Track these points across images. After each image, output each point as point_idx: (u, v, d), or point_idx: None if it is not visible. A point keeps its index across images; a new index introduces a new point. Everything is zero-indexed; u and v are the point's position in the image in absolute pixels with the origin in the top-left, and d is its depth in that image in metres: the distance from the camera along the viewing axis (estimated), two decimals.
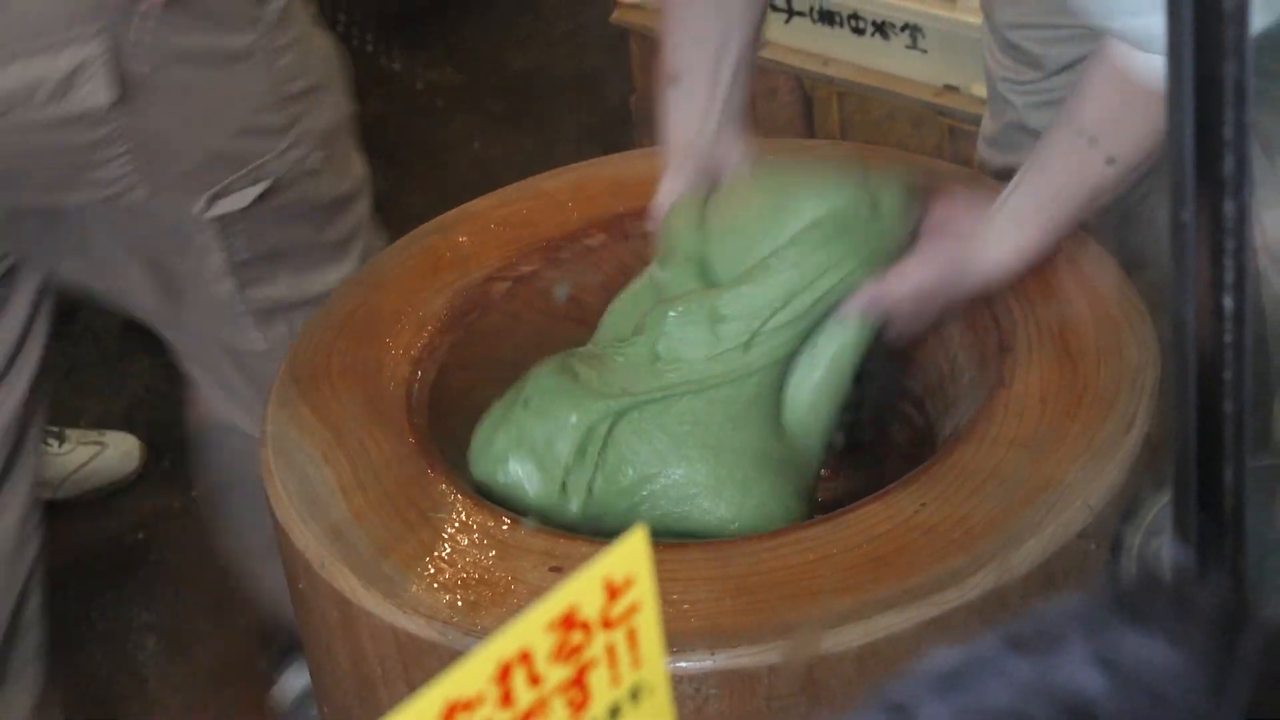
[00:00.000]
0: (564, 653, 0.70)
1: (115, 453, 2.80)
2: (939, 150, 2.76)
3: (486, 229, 1.92)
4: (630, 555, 0.71)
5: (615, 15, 3.20)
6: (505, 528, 1.56)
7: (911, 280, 1.69)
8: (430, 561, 1.53)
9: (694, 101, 1.80)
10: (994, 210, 1.71)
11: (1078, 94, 1.66)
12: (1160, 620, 0.71)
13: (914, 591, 1.46)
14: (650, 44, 3.13)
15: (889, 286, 1.68)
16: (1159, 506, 1.51)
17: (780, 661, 1.43)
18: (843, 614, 1.44)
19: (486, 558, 1.53)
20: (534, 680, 0.69)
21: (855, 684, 1.45)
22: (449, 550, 1.54)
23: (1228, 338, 0.88)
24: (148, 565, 2.79)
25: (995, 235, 1.70)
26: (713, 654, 1.43)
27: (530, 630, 0.68)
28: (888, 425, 1.83)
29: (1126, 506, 1.53)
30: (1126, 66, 1.58)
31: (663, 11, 1.84)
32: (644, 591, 0.72)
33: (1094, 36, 1.85)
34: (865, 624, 1.44)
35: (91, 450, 2.82)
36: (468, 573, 1.52)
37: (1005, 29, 2.06)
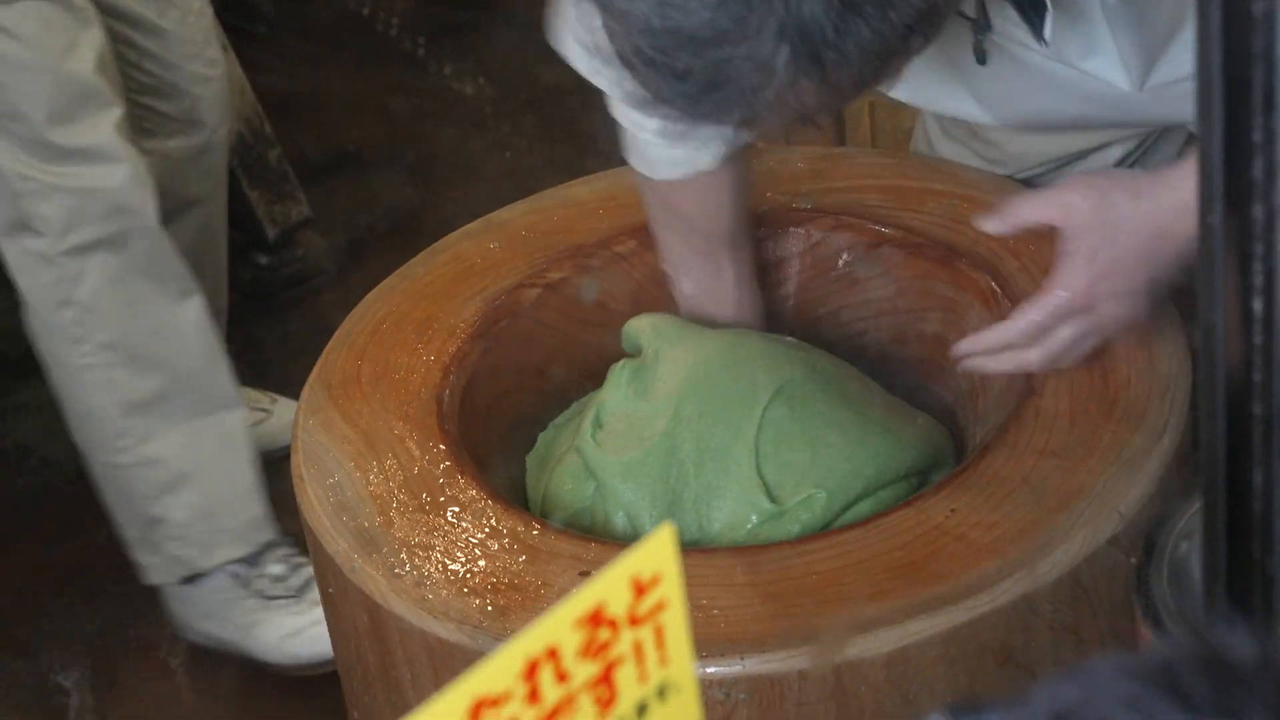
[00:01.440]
0: (591, 650, 0.70)
1: (278, 423, 2.79)
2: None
3: (517, 236, 1.93)
4: (657, 553, 0.71)
5: None
6: (535, 533, 1.57)
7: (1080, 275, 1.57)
8: (460, 566, 1.54)
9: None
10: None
11: None
12: (1212, 707, 0.70)
13: (944, 598, 1.46)
14: None
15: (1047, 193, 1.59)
16: (1190, 512, 1.51)
17: (807, 666, 1.43)
18: (872, 620, 1.44)
19: (516, 562, 1.54)
20: (561, 677, 0.69)
21: (884, 690, 1.45)
22: (479, 555, 1.55)
23: (1257, 340, 0.88)
24: None
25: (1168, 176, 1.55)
26: (742, 659, 1.43)
27: (557, 627, 0.69)
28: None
29: (1159, 512, 1.53)
30: None
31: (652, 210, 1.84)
32: (671, 589, 0.72)
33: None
34: (895, 630, 1.44)
35: (257, 416, 2.82)
36: (497, 577, 1.52)
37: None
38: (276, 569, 2.54)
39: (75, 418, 2.48)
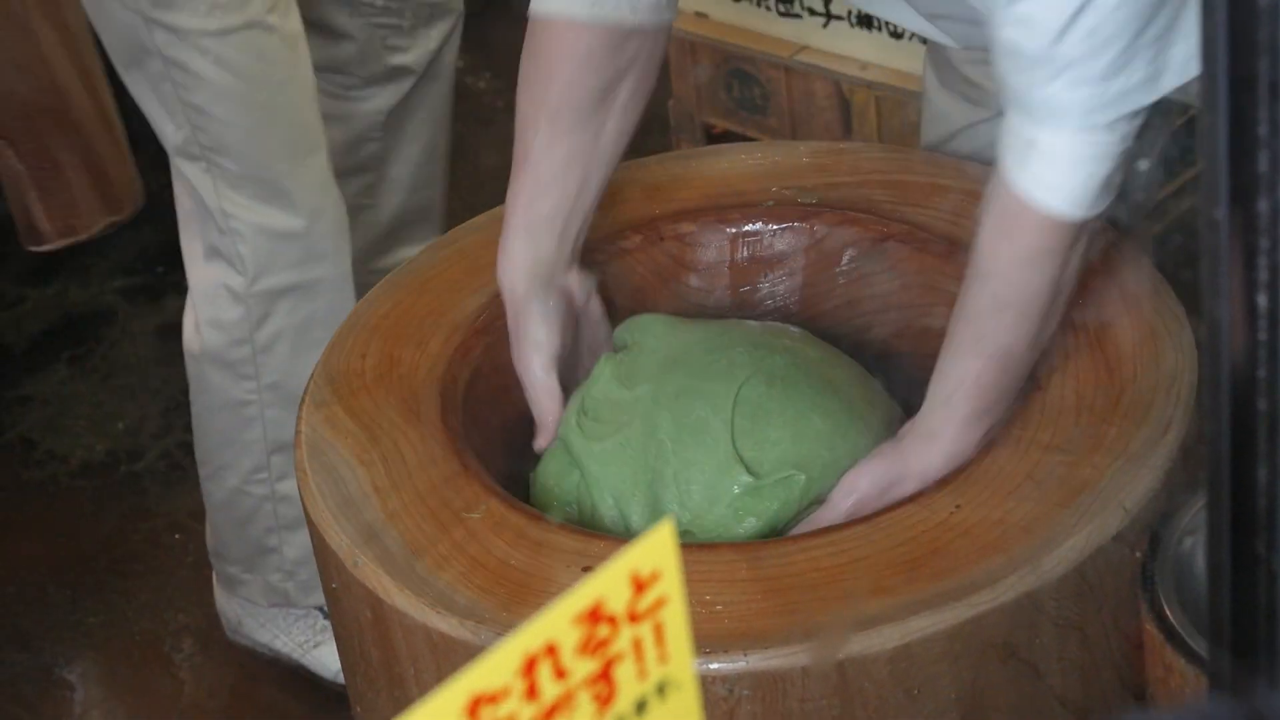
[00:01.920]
0: (590, 646, 0.70)
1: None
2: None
3: None
4: (657, 549, 0.70)
5: None
6: (538, 527, 1.56)
7: (858, 489, 1.62)
8: (463, 561, 1.53)
9: (545, 246, 1.78)
10: (926, 404, 1.65)
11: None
12: None
13: (948, 593, 1.45)
14: (686, 46, 3.13)
15: (836, 498, 1.64)
16: (1195, 508, 1.51)
17: (809, 663, 1.42)
18: (876, 616, 1.44)
19: (519, 557, 1.53)
20: (560, 674, 0.69)
21: (888, 686, 1.44)
22: (482, 550, 1.54)
23: (1262, 336, 0.87)
24: (185, 567, 2.80)
25: (924, 431, 1.64)
26: (745, 655, 1.42)
27: (556, 624, 0.68)
28: None
29: (1163, 508, 1.53)
30: (1010, 179, 1.54)
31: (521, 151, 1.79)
32: (671, 586, 0.72)
33: None
34: (899, 626, 1.43)
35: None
36: (500, 572, 1.52)
37: (962, 64, 2.01)
38: None
39: (213, 441, 2.44)
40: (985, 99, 1.97)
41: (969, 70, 2.00)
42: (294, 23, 2.25)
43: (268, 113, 2.23)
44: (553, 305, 1.77)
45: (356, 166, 2.66)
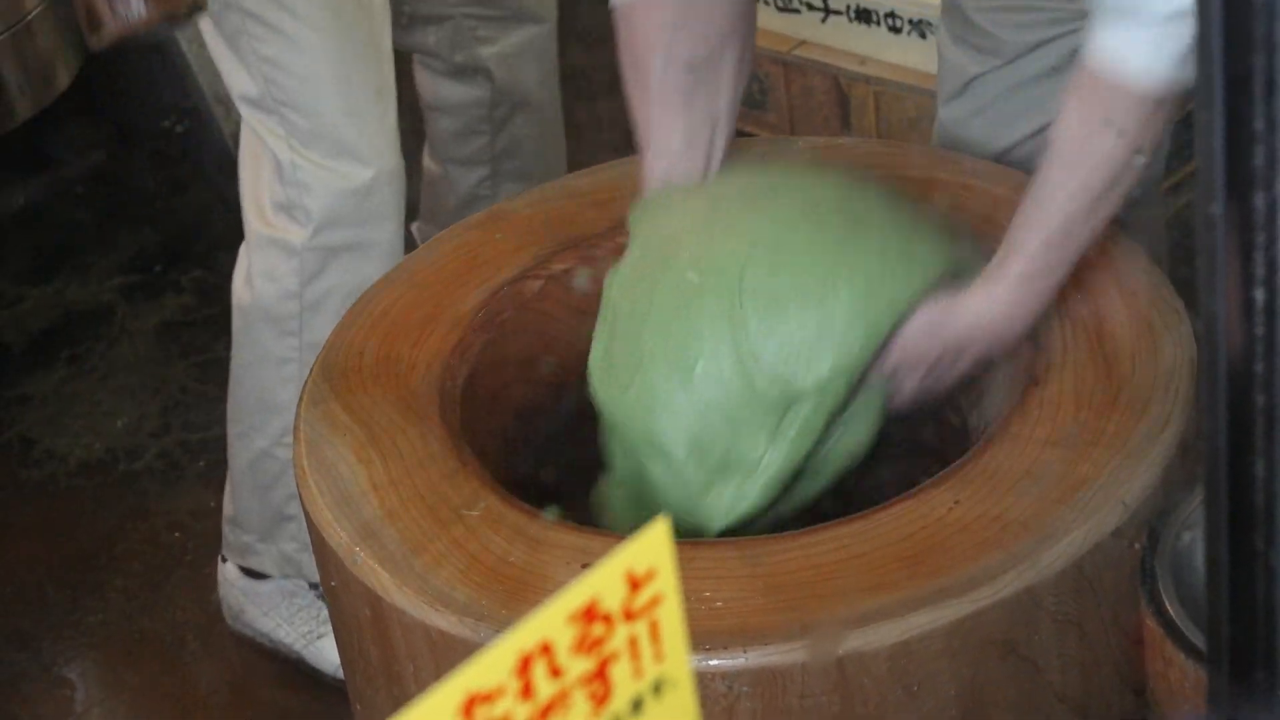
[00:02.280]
0: (585, 645, 0.70)
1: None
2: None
3: (520, 228, 1.92)
4: (652, 547, 0.70)
5: None
6: (536, 524, 1.56)
7: (903, 337, 1.67)
8: (462, 558, 1.53)
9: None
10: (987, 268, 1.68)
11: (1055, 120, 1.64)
12: None
13: (947, 590, 1.45)
14: None
15: (889, 355, 1.68)
16: (1194, 503, 1.51)
17: (807, 659, 1.42)
18: (875, 612, 1.44)
19: (518, 554, 1.53)
20: (555, 672, 0.69)
21: (887, 682, 1.44)
22: (480, 547, 1.54)
23: (1258, 331, 0.87)
24: (184, 565, 2.80)
25: (977, 285, 1.67)
26: (745, 652, 1.42)
27: (551, 622, 0.68)
28: (918, 423, 1.82)
29: (1162, 504, 1.52)
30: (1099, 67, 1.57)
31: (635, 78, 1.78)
32: (666, 584, 0.72)
33: (1061, 22, 1.85)
34: (898, 622, 1.43)
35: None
36: (499, 569, 1.52)
37: (971, 12, 2.04)
38: None
39: (247, 398, 2.46)
40: (997, 47, 2.01)
41: (979, 18, 2.02)
42: None
43: (343, 69, 2.25)
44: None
45: (470, 158, 2.69)
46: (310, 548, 2.41)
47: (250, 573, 2.58)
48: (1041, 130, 1.96)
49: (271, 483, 2.46)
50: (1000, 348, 1.69)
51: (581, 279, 1.87)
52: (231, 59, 2.26)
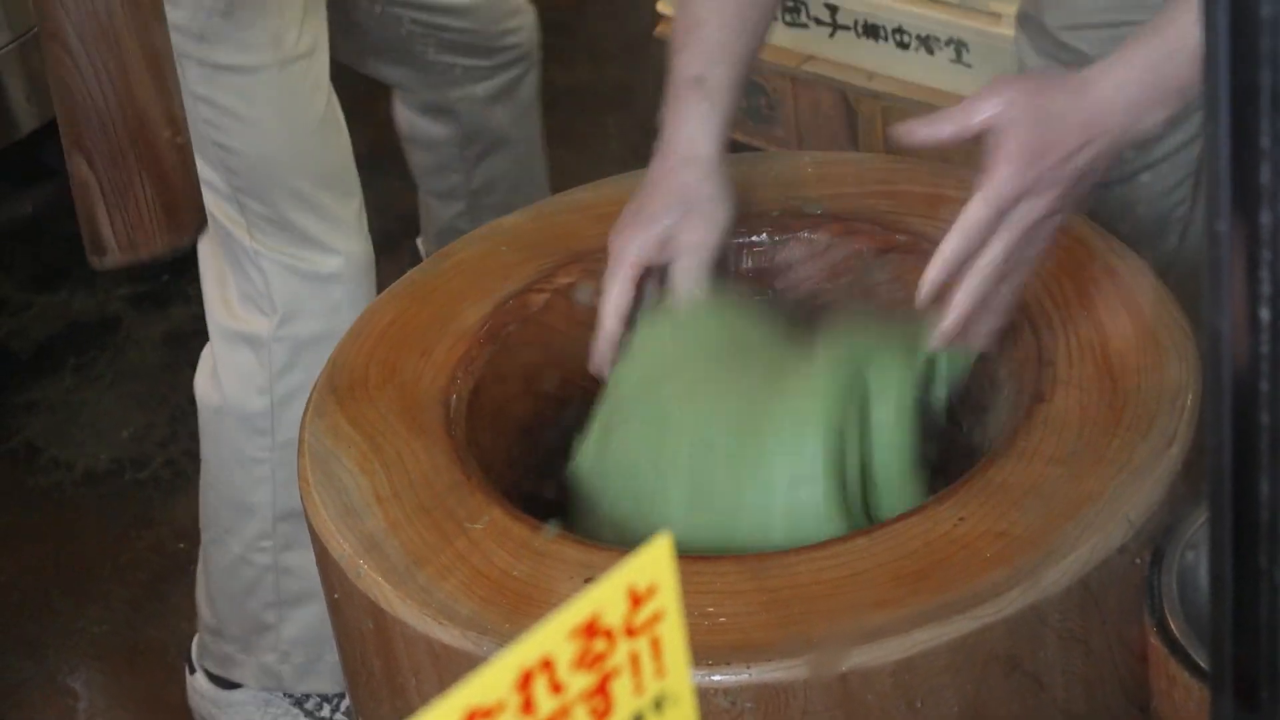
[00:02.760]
0: (586, 660, 0.69)
1: None
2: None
3: (524, 241, 1.92)
4: (654, 563, 0.70)
5: (659, 29, 3.19)
6: (540, 538, 1.56)
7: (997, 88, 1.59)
8: (465, 571, 1.53)
9: (716, 113, 1.77)
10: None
11: None
12: None
13: (951, 606, 1.45)
14: None
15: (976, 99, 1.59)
16: (1199, 520, 1.51)
17: (814, 675, 1.42)
18: (879, 628, 1.43)
19: (521, 568, 1.53)
20: (556, 688, 0.69)
21: (891, 699, 1.44)
22: (484, 560, 1.54)
23: (1264, 349, 0.87)
24: (190, 575, 2.79)
25: (1097, 74, 1.59)
26: (748, 668, 1.42)
27: (552, 637, 0.68)
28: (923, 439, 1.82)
29: (1167, 521, 1.52)
30: None
31: (680, 12, 1.80)
32: (668, 599, 0.71)
33: None
34: (902, 639, 1.43)
35: None
36: (503, 582, 1.52)
37: (1059, 31, 2.03)
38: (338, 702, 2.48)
39: (219, 502, 2.37)
40: (1079, 61, 1.97)
41: (1068, 37, 2.01)
42: (323, 62, 2.23)
43: (301, 154, 2.20)
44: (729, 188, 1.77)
45: (446, 192, 2.66)
46: (289, 658, 2.38)
47: (221, 682, 2.49)
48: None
49: (249, 589, 2.37)
50: (1129, 140, 1.59)
51: (585, 293, 1.87)
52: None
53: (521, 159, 2.71)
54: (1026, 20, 2.09)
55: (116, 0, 1.64)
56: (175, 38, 2.05)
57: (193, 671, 2.52)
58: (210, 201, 2.21)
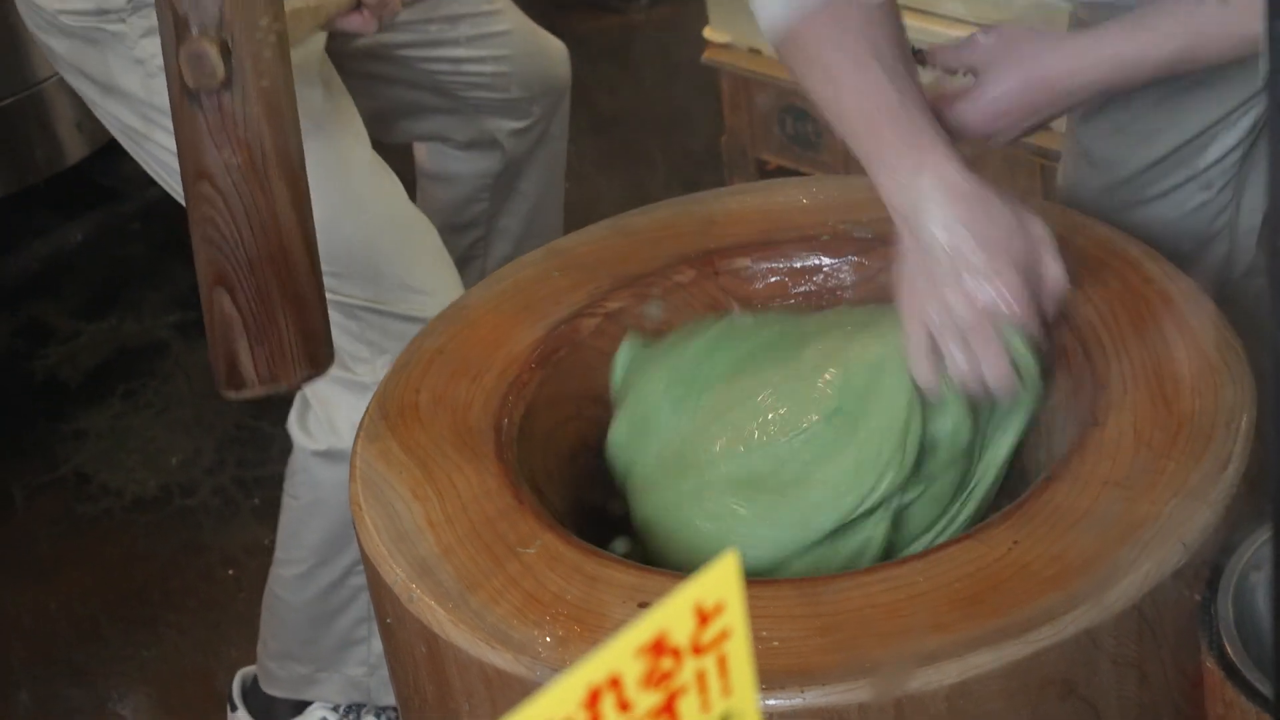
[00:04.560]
0: (654, 679, 0.69)
1: None
2: (1030, 190, 2.75)
3: (576, 265, 1.92)
4: (721, 581, 0.70)
5: (706, 55, 3.20)
6: (594, 562, 1.56)
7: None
8: (518, 596, 1.53)
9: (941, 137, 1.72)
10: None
11: None
12: None
13: (1006, 630, 1.44)
14: (740, 83, 3.13)
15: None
16: (1256, 544, 1.50)
17: (867, 699, 1.41)
18: (934, 652, 1.43)
19: (574, 592, 1.53)
20: (624, 706, 0.69)
21: None
22: (536, 584, 1.54)
23: None
24: (239, 602, 2.80)
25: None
26: (802, 692, 1.42)
27: (620, 655, 0.68)
28: None
29: (1223, 544, 1.51)
30: None
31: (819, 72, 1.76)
32: (734, 618, 0.71)
33: None
34: (956, 662, 1.42)
35: None
36: (556, 607, 1.51)
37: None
38: None
39: (311, 539, 2.35)
40: None
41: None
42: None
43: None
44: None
45: (467, 223, 2.65)
46: (376, 671, 2.38)
47: (263, 717, 2.50)
48: (1185, 145, 1.96)
49: (340, 610, 2.38)
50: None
51: (637, 317, 1.87)
52: None
53: (551, 173, 2.71)
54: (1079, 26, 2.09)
55: (268, 139, 1.65)
56: None
57: (234, 709, 2.52)
58: None
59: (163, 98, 2.14)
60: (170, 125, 2.14)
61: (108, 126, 2.28)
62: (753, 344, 1.79)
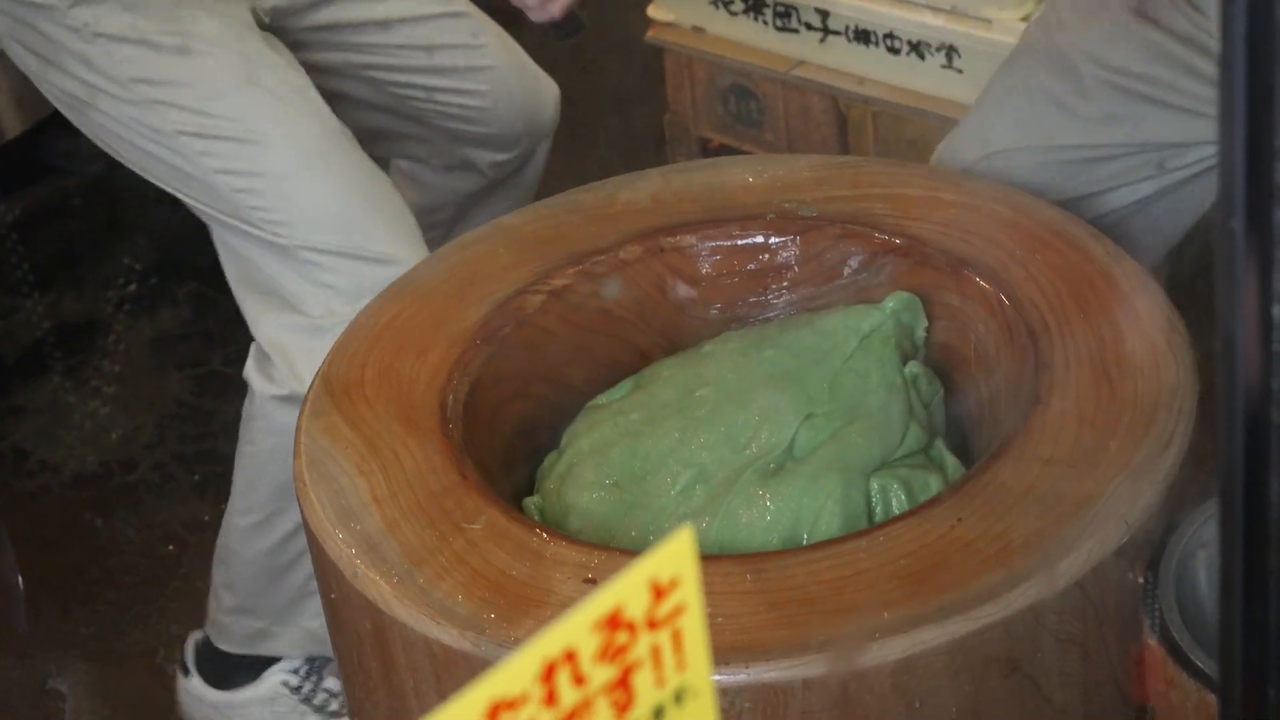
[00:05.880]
0: (609, 653, 0.69)
1: None
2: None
3: (521, 243, 1.92)
4: (676, 556, 0.70)
5: (649, 34, 3.20)
6: (539, 539, 1.56)
7: None
8: (463, 572, 1.53)
9: None
10: None
11: None
12: None
13: (950, 607, 1.45)
14: (683, 61, 3.12)
15: None
16: (1200, 522, 1.51)
17: (812, 675, 1.42)
18: (878, 629, 1.43)
19: (520, 569, 1.53)
20: (579, 680, 0.69)
21: (889, 699, 1.44)
22: (482, 561, 1.54)
23: (1276, 347, 0.87)
24: (177, 578, 2.79)
25: None
26: (747, 668, 1.42)
27: (575, 630, 0.68)
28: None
29: (1165, 524, 1.52)
30: None
31: None
32: (689, 593, 0.72)
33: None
34: (901, 639, 1.43)
35: None
36: (501, 583, 1.51)
37: None
38: (334, 684, 2.46)
39: (266, 488, 2.32)
40: None
41: None
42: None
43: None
44: None
45: (425, 225, 2.62)
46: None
47: (222, 683, 2.47)
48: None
49: (294, 562, 2.35)
50: None
51: (583, 294, 1.87)
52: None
53: (516, 201, 2.65)
54: None
55: None
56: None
57: (188, 674, 2.50)
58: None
59: (103, 62, 2.15)
60: (116, 91, 2.15)
61: (50, 99, 2.26)
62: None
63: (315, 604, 2.34)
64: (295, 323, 2.21)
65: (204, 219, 2.26)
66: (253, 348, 2.28)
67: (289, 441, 2.24)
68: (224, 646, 2.47)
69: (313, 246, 2.18)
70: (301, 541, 2.31)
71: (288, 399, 2.24)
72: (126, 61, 2.15)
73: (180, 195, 2.25)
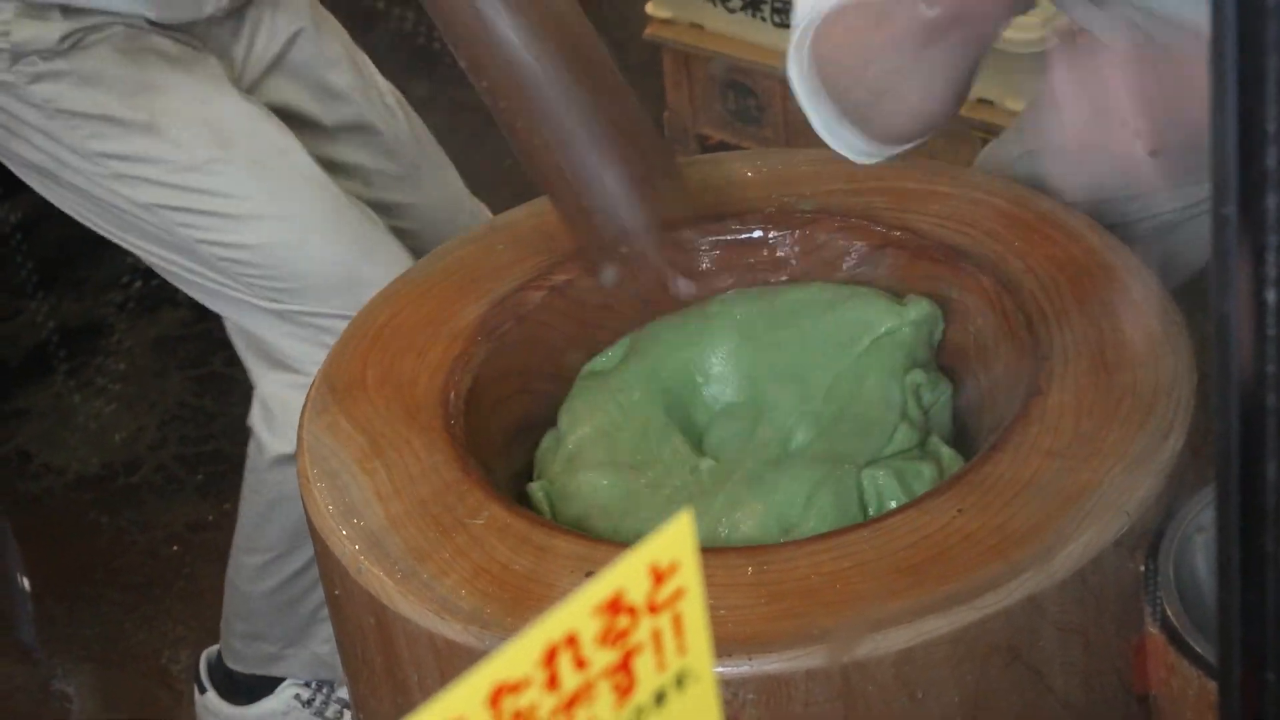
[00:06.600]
0: (610, 637, 0.70)
1: None
2: (971, 163, 2.75)
3: (521, 239, 1.93)
4: (676, 540, 0.71)
5: (648, 31, 3.20)
6: (541, 533, 1.56)
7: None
8: (466, 567, 1.54)
9: None
10: None
11: None
12: None
13: (951, 597, 1.45)
14: (681, 58, 3.13)
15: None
16: (1196, 512, 1.51)
17: (814, 666, 1.42)
18: (880, 620, 1.44)
19: (522, 563, 1.53)
20: (580, 664, 0.69)
21: (892, 690, 1.45)
22: (484, 556, 1.54)
23: (1270, 331, 0.88)
24: (181, 579, 2.80)
25: None
26: (750, 659, 1.43)
27: (577, 614, 0.68)
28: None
29: (1165, 512, 1.53)
30: None
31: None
32: (689, 577, 0.72)
33: None
34: (903, 630, 1.43)
35: None
36: (503, 578, 1.52)
37: None
38: (345, 695, 2.46)
39: (275, 533, 2.32)
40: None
41: None
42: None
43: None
44: None
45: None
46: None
47: (239, 698, 2.48)
48: None
49: (305, 593, 2.36)
50: None
51: (583, 290, 1.88)
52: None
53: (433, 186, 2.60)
54: None
55: None
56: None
57: (203, 691, 2.51)
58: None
59: (69, 138, 2.10)
60: (82, 166, 2.11)
61: (15, 171, 2.22)
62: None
63: (325, 630, 2.35)
64: (298, 381, 2.19)
65: (189, 292, 2.22)
66: (256, 396, 2.27)
67: (293, 494, 2.25)
68: (236, 667, 2.48)
69: (314, 312, 2.16)
70: (310, 576, 2.32)
71: (291, 458, 2.22)
72: (93, 138, 2.11)
73: (162, 265, 2.21)
